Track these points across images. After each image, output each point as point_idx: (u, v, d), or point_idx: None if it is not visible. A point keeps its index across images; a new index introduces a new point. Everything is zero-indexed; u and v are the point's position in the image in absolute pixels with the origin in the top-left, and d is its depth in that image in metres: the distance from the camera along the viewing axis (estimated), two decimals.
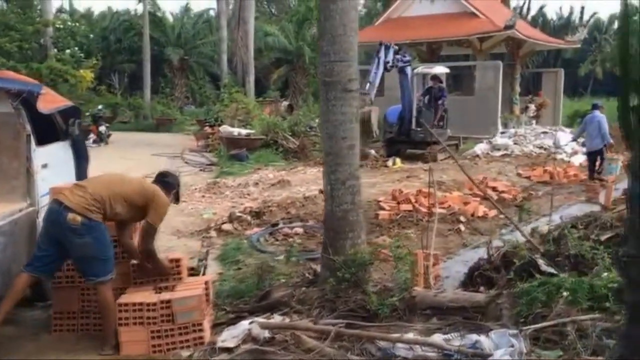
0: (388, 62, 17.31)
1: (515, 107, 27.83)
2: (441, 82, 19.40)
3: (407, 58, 18.44)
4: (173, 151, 21.23)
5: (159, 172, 5.99)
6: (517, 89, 28.74)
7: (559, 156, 17.75)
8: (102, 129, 24.03)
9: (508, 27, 24.29)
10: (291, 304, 5.76)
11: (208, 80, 39.40)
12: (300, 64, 37.36)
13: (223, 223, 10.16)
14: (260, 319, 5.24)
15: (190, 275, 7.92)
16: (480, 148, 18.47)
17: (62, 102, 6.72)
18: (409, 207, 10.77)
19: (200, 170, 17.58)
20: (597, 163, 14.93)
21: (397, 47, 18.21)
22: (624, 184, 14.04)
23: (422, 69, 19.92)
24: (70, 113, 6.88)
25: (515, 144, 18.69)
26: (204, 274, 7.41)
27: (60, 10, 44.27)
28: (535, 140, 18.50)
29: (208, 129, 23.76)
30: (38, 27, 21.28)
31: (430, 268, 6.63)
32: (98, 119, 24.87)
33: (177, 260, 5.59)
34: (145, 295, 5.22)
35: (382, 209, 10.65)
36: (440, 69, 20.08)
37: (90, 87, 29.85)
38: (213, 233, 9.78)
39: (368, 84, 17.28)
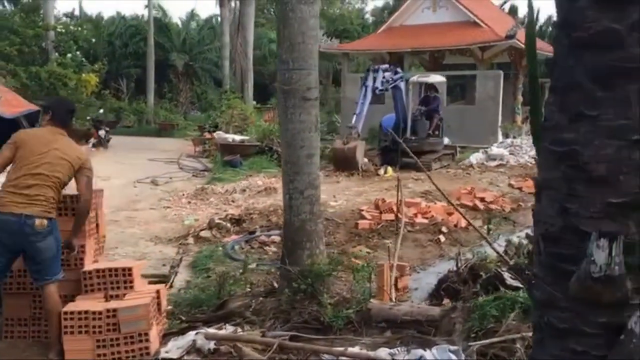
0: (377, 88, 17.16)
1: (517, 116, 27.68)
2: (437, 91, 19.29)
3: (399, 74, 18.35)
4: (171, 156, 21.25)
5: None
6: (520, 98, 28.58)
7: None
8: (102, 133, 24.08)
9: (509, 37, 24.17)
10: (245, 315, 5.68)
11: (213, 86, 39.47)
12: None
13: (202, 230, 10.10)
14: (207, 330, 5.15)
15: (160, 282, 7.91)
16: (476, 157, 18.34)
17: (27, 107, 6.68)
18: (391, 216, 10.65)
19: (193, 175, 17.56)
20: None
21: (386, 66, 18.12)
22: None
23: (417, 77, 19.84)
24: (35, 117, 6.84)
25: (511, 154, 18.54)
26: (172, 282, 7.38)
27: (71, 14, 44.77)
28: (530, 150, 18.31)
29: (207, 135, 23.78)
30: (39, 31, 21.34)
31: (391, 280, 6.54)
32: (98, 123, 24.94)
33: (129, 269, 5.51)
34: (91, 304, 5.14)
35: (364, 218, 10.54)
36: (436, 78, 19.99)
37: (95, 91, 30.02)
38: (191, 240, 9.73)
39: (355, 117, 17.18)
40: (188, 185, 15.50)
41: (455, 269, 7.21)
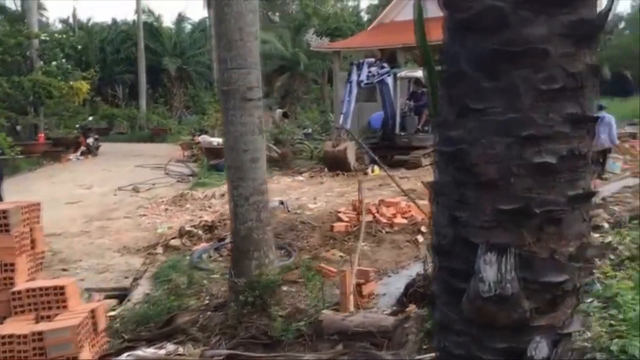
0: (362, 81, 16.79)
1: None
2: (425, 86, 18.91)
3: (385, 69, 17.99)
4: (160, 162, 20.95)
5: None
6: None
7: None
8: (90, 140, 23.82)
9: None
10: (189, 332, 5.35)
11: (207, 90, 39.18)
12: (297, 71, 37.01)
13: (172, 238, 9.78)
14: (141, 351, 4.83)
15: (118, 296, 7.60)
16: None
17: None
18: (369, 217, 10.31)
19: (178, 181, 17.26)
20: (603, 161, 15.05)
21: (372, 60, 17.75)
22: (606, 188, 13.51)
23: (405, 73, 19.46)
24: None
25: None
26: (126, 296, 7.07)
27: (65, 21, 44.53)
28: None
29: (197, 139, 23.50)
30: (21, 40, 21.06)
31: (352, 287, 6.20)
32: (87, 130, 24.69)
33: (61, 288, 5.18)
34: (18, 326, 4.82)
35: (340, 220, 10.19)
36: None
37: (87, 98, 29.79)
38: (160, 249, 9.40)
39: (341, 117, 16.83)
40: (170, 191, 15.19)
41: (423, 272, 6.88)
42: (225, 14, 5.25)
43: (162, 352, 5.00)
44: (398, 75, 18.85)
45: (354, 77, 16.74)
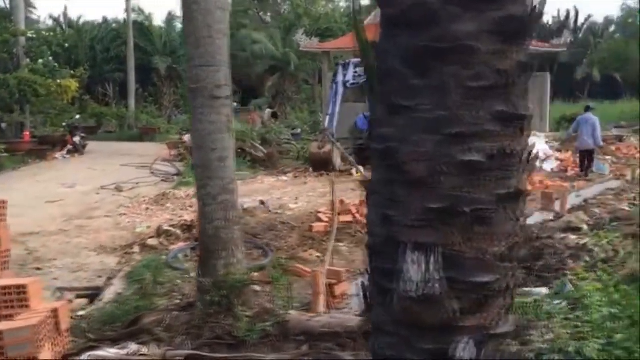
0: (348, 81, 16.73)
1: None
2: None
3: None
4: (147, 161, 20.83)
5: None
6: None
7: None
8: (77, 139, 23.69)
9: None
10: (154, 332, 5.30)
11: None
12: (288, 71, 36.97)
13: (150, 238, 9.71)
14: (101, 351, 4.77)
15: (90, 296, 7.53)
16: None
17: None
18: (348, 218, 10.27)
19: (163, 180, 17.17)
20: (587, 162, 15.79)
21: (358, 60, 17.71)
22: (588, 191, 13.53)
23: None
24: None
25: None
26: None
27: (57, 19, 44.32)
28: None
29: (183, 138, 23.41)
30: (6, 37, 20.93)
31: (323, 287, 6.16)
32: (74, 129, 24.55)
33: (23, 287, 5.12)
34: None
35: (320, 220, 10.15)
36: None
37: (76, 96, 29.65)
38: (136, 249, 9.33)
39: (327, 118, 16.78)
40: (154, 190, 15.11)
41: None
42: (193, 11, 5.20)
43: (125, 352, 4.94)
44: None
45: (340, 78, 16.70)
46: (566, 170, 16.91)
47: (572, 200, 12.82)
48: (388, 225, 2.12)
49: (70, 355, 5.05)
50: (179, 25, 42.11)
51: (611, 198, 12.94)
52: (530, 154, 2.15)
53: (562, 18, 52.34)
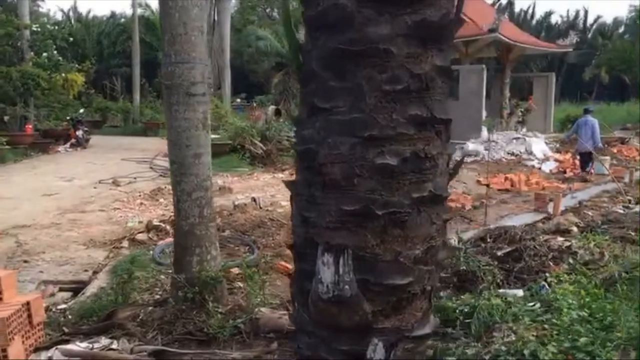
0: None
1: (505, 111, 27.20)
2: None
3: None
4: (148, 156, 20.89)
5: None
6: (507, 93, 28.10)
7: (529, 163, 17.16)
8: (80, 133, 23.78)
9: (491, 31, 23.72)
10: (126, 326, 5.33)
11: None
12: (292, 67, 36.94)
13: (139, 232, 9.76)
14: (70, 345, 4.81)
15: (73, 289, 7.58)
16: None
17: None
18: None
19: (161, 175, 17.20)
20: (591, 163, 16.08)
21: None
22: (584, 193, 13.48)
23: None
24: None
25: (486, 150, 18.10)
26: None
27: (67, 13, 44.57)
28: (507, 146, 17.88)
29: None
30: (10, 31, 21.04)
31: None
32: (77, 123, 24.64)
33: None
34: None
35: None
36: None
37: (82, 90, 29.81)
38: (125, 243, 9.37)
39: None
40: (151, 185, 15.14)
41: None
42: (169, 7, 5.22)
43: (94, 346, 4.98)
44: None
45: None
46: (565, 172, 16.86)
47: (567, 201, 12.78)
48: (307, 227, 2.13)
49: (41, 348, 5.08)
50: None
51: (606, 200, 12.89)
52: (450, 157, 2.16)
53: (571, 18, 52.09)
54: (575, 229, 9.79)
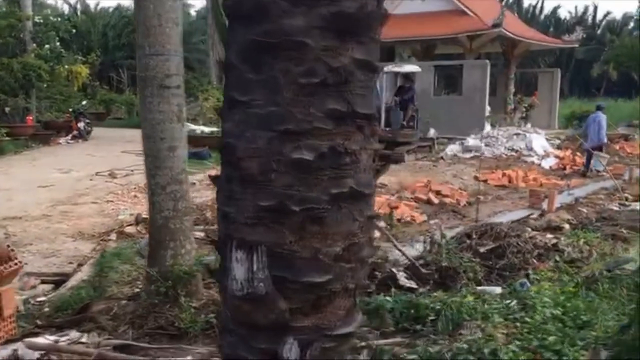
0: None
1: (509, 107, 27.08)
2: (412, 81, 18.78)
3: None
4: None
5: None
6: (512, 88, 27.99)
7: (529, 159, 17.05)
8: (82, 125, 23.84)
9: (496, 26, 23.60)
10: (98, 320, 5.32)
11: (205, 77, 39.05)
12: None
13: (128, 225, 9.76)
14: (39, 338, 4.80)
15: (56, 282, 7.58)
16: (452, 149, 17.83)
17: None
18: None
19: None
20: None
21: None
22: (582, 189, 13.37)
23: (391, 67, 19.28)
24: None
25: (487, 145, 17.99)
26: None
27: (74, 5, 44.67)
28: (507, 142, 17.77)
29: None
30: (12, 22, 21.07)
31: None
32: (79, 115, 24.68)
33: None
34: None
35: None
36: (411, 68, 19.45)
37: (86, 82, 29.88)
38: (114, 236, 9.37)
39: None
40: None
41: None
42: (144, 0, 5.18)
43: (64, 339, 4.96)
44: (384, 69, 18.66)
45: None
46: (564, 168, 16.74)
47: (564, 198, 12.70)
48: (227, 223, 2.09)
49: (11, 340, 5.07)
50: (193, 12, 42.26)
51: (603, 197, 12.78)
52: (376, 153, 2.10)
53: (579, 14, 51.69)
54: (567, 226, 9.72)
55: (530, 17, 48.69)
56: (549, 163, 16.61)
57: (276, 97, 1.95)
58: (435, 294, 5.02)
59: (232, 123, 2.05)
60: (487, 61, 25.00)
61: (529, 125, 24.51)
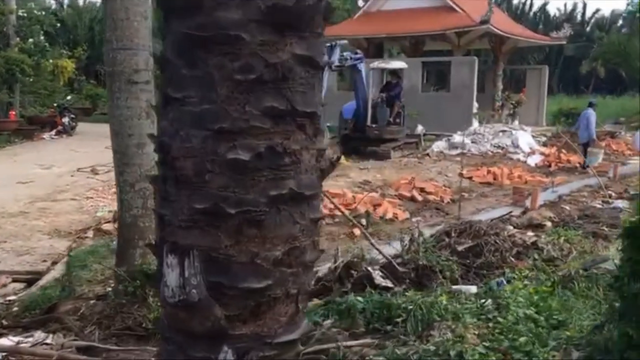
0: (333, 62, 16.39)
1: (497, 104, 27.04)
2: (399, 77, 18.70)
3: (359, 55, 17.66)
4: None
5: None
6: (500, 85, 27.94)
7: (515, 156, 17.03)
8: (66, 120, 23.61)
9: (483, 22, 23.55)
10: (64, 320, 5.21)
11: None
12: None
13: (106, 222, 9.63)
14: (3, 339, 4.69)
15: (29, 280, 7.45)
16: (438, 146, 17.78)
17: None
18: None
19: None
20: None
21: (345, 42, 17.42)
22: (566, 187, 13.34)
23: (378, 63, 19.20)
24: None
25: (473, 142, 17.94)
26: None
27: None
28: (493, 139, 17.73)
29: None
30: None
31: None
32: (63, 110, 24.45)
33: None
34: None
35: None
36: (398, 64, 19.37)
37: (72, 77, 29.60)
38: (90, 233, 9.24)
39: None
40: None
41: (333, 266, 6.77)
42: None
43: (28, 340, 4.85)
44: (371, 65, 18.56)
45: (325, 60, 16.34)
46: (550, 165, 16.72)
47: (548, 195, 12.67)
48: (162, 225, 1.99)
49: None
50: None
51: (586, 195, 12.76)
52: (321, 153, 2.01)
53: (569, 11, 51.77)
54: (549, 223, 9.67)
55: (519, 14, 48.69)
56: (534, 160, 16.58)
57: (211, 94, 1.85)
58: (407, 293, 4.91)
59: (167, 121, 1.95)
60: (475, 58, 24.96)
61: (516, 122, 24.50)
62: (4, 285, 6.96)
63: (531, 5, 52.11)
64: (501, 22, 26.63)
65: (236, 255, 1.90)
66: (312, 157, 1.97)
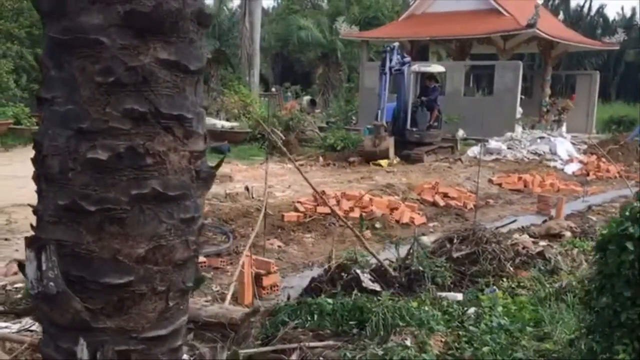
0: (393, 67, 16.29)
1: (543, 109, 26.49)
2: (437, 81, 18.51)
3: (407, 58, 17.56)
4: None
5: None
6: (547, 91, 27.36)
7: (552, 163, 16.64)
8: None
9: (529, 26, 23.09)
10: None
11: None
12: (333, 58, 36.85)
13: None
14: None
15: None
16: (473, 151, 17.52)
17: None
18: (326, 209, 10.18)
19: None
20: None
21: (397, 44, 17.26)
22: (599, 197, 12.98)
23: (417, 67, 19.03)
24: None
25: (509, 148, 17.62)
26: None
27: None
28: (530, 145, 17.37)
29: None
30: None
31: (250, 277, 6.21)
32: None
33: None
34: None
35: (296, 210, 10.12)
36: (436, 68, 19.18)
37: None
38: None
39: (379, 113, 16.39)
40: None
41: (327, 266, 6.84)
42: None
43: (15, 327, 5.07)
44: (411, 69, 18.40)
45: (387, 66, 16.25)
46: (588, 174, 16.28)
47: (577, 205, 12.38)
48: (37, 221, 2.09)
49: None
50: (233, 5, 42.36)
51: (618, 206, 12.37)
52: (197, 155, 2.07)
53: (628, 15, 50.14)
54: (568, 233, 9.46)
55: (577, 18, 47.45)
56: (572, 168, 16.16)
57: (74, 95, 1.93)
58: (381, 298, 4.91)
59: (38, 120, 2.04)
60: (520, 62, 24.48)
61: (562, 128, 23.90)
62: (15, 273, 7.24)
63: (589, 9, 50.67)
64: (550, 26, 26.05)
65: (98, 251, 1.97)
66: (182, 158, 2.02)
